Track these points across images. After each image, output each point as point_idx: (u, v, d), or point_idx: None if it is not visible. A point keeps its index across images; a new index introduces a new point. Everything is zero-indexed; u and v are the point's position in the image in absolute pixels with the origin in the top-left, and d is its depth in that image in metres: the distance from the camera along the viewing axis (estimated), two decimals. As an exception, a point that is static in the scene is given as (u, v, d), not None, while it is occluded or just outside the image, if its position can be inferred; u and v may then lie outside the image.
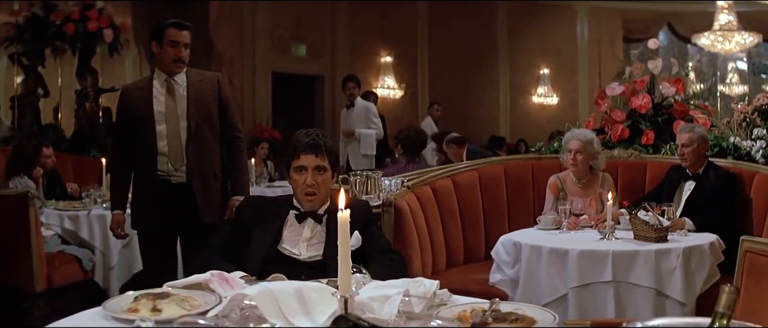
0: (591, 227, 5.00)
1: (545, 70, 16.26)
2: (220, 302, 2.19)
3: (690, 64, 14.34)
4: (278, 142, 12.07)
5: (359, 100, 10.07)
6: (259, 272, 2.84)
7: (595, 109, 6.63)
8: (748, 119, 6.06)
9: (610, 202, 4.60)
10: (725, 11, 12.74)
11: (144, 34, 11.04)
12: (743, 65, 17.03)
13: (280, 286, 2.12)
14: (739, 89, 16.10)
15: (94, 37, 9.22)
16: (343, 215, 1.85)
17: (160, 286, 2.47)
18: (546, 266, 4.42)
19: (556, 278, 4.38)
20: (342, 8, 13.83)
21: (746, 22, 13.13)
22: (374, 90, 13.06)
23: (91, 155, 8.95)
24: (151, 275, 4.46)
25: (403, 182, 5.36)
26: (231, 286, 2.31)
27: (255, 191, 9.23)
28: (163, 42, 4.60)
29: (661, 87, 6.29)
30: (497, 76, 16.03)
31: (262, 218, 3.35)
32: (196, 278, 2.37)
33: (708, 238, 4.61)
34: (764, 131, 5.76)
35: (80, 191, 7.21)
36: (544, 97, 16.53)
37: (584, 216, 5.07)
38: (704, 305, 4.35)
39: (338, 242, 1.88)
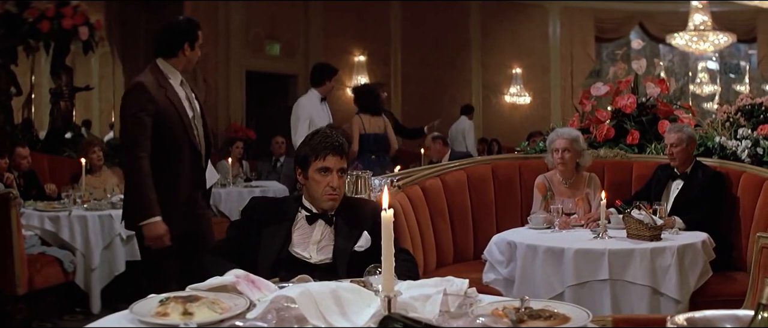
0: (581, 226, 5.04)
1: (518, 70, 16.34)
2: (251, 304, 2.15)
3: (662, 63, 14.45)
4: (252, 142, 12.02)
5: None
6: (269, 275, 2.77)
7: (579, 109, 6.65)
8: (731, 119, 6.13)
9: (604, 201, 4.63)
10: (700, 12, 12.88)
11: (116, 32, 10.95)
12: (713, 65, 17.24)
13: (317, 287, 2.09)
14: (710, 89, 16.33)
15: (69, 35, 9.07)
16: (387, 214, 1.83)
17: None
18: (542, 264, 4.43)
19: (553, 276, 4.39)
20: (316, 7, 13.81)
21: (719, 23, 13.29)
22: (347, 88, 13.00)
23: (65, 155, 8.82)
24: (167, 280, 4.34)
25: (392, 181, 5.35)
26: (258, 288, 2.28)
27: (232, 191, 9.17)
28: (195, 44, 4.49)
29: (646, 87, 6.33)
30: (470, 75, 16.08)
31: (270, 220, 3.31)
32: (220, 280, 2.33)
33: (700, 236, 4.66)
34: (749, 131, 5.82)
35: (59, 191, 7.12)
36: (517, 96, 16.60)
37: (574, 215, 5.10)
38: (698, 302, 4.40)
39: (382, 242, 1.86)
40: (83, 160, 6.94)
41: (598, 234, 4.62)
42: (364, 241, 3.24)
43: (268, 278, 2.65)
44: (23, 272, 5.72)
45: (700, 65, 16.45)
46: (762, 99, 6.22)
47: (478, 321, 1.95)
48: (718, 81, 17.42)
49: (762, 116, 6.09)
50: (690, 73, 16.51)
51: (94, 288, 6.41)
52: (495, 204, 5.88)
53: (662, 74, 11.13)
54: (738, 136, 5.80)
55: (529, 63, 16.32)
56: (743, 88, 17.66)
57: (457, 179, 5.75)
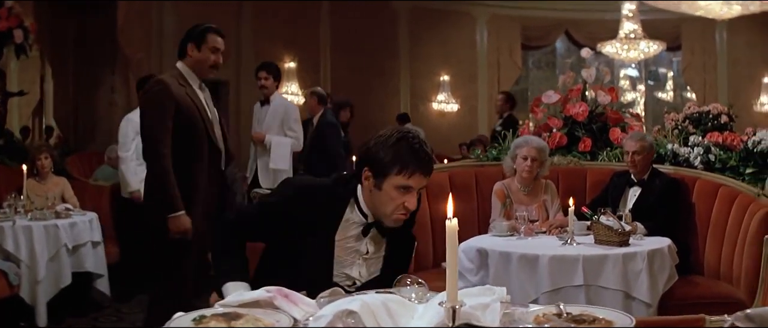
0: (543, 232, 5.10)
1: (445, 77, 16.46)
2: (295, 322, 2.10)
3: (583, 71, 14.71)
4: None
5: (278, 97, 7.81)
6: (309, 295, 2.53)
7: (532, 117, 6.74)
8: (679, 127, 6.29)
9: (572, 207, 4.68)
10: (631, 20, 13.19)
11: (47, 36, 10.64)
12: (634, 72, 17.66)
13: (370, 299, 2.06)
14: (632, 96, 16.73)
15: (4, 38, 8.76)
16: (452, 224, 1.81)
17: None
18: (516, 271, 4.46)
19: (527, 283, 4.42)
20: (247, 13, 13.69)
21: (645, 30, 13.62)
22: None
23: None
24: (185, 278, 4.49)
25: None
26: (295, 303, 2.21)
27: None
28: (202, 46, 4.63)
29: (596, 95, 6.44)
30: (398, 82, 16.14)
31: (312, 220, 2.83)
32: (252, 295, 2.24)
33: (665, 241, 4.76)
34: (700, 138, 5.98)
35: (0, 200, 6.87)
36: (444, 103, 16.70)
37: (537, 222, 5.16)
38: (667, 305, 4.53)
39: (447, 251, 1.84)
40: (24, 167, 6.70)
41: (567, 240, 4.67)
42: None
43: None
44: (-31, 285, 5.51)
45: (622, 72, 16.83)
46: (709, 107, 6.40)
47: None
48: (636, 88, 17.85)
49: (710, 124, 6.27)
50: (615, 82, 16.87)
51: (40, 301, 6.17)
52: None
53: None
54: (690, 144, 5.96)
55: (456, 70, 16.45)
56: (666, 95, 18.18)
57: (415, 188, 5.74)
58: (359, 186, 2.88)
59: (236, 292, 2.48)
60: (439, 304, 1.92)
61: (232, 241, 2.90)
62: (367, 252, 2.92)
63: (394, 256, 2.98)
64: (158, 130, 4.43)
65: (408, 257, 3.10)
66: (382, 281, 2.83)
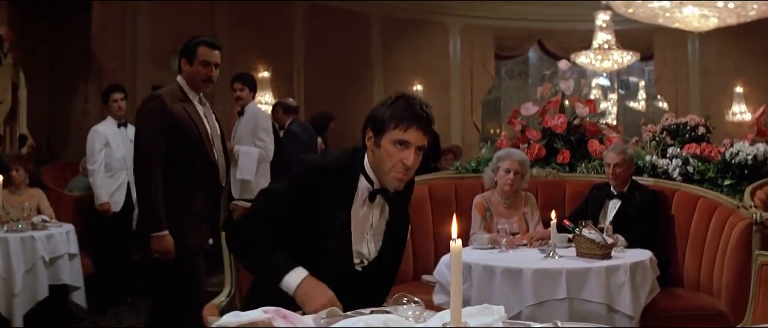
0: (524, 244, 5.11)
1: (419, 87, 16.43)
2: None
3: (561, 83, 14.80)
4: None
5: (252, 107, 7.83)
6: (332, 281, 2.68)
7: (509, 128, 6.76)
8: (657, 138, 6.34)
9: (554, 220, 4.70)
10: (604, 31, 13.29)
11: (20, 44, 10.54)
12: (605, 81, 17.79)
13: (372, 319, 2.05)
14: (603, 105, 16.83)
15: (-21, 45, 8.71)
16: (456, 246, 1.81)
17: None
18: (500, 285, 4.45)
19: (510, 297, 4.41)
20: (220, 23, 13.61)
21: (618, 40, 13.72)
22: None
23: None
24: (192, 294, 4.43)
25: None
26: (292, 322, 2.20)
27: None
28: (194, 61, 4.57)
29: (575, 107, 6.48)
30: (372, 91, 16.08)
31: (331, 198, 2.86)
32: (249, 316, 2.22)
33: (647, 254, 4.79)
34: (678, 150, 6.03)
35: (-26, 212, 6.78)
36: (418, 113, 16.62)
37: (518, 234, 5.17)
38: (649, 316, 4.56)
39: (452, 272, 1.84)
40: (0, 177, 6.61)
41: (549, 253, 4.68)
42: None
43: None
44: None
45: (594, 82, 16.93)
46: (687, 118, 6.46)
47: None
48: (607, 97, 17.98)
49: (687, 135, 6.33)
50: (586, 91, 16.97)
51: (16, 314, 6.09)
52: (433, 224, 5.89)
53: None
54: (668, 155, 6.00)
55: (430, 80, 16.44)
56: (637, 104, 18.34)
57: (395, 199, 5.74)
58: (365, 156, 2.93)
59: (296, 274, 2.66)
60: (443, 325, 1.91)
61: (263, 238, 2.83)
62: (373, 224, 2.96)
63: (393, 231, 3.02)
64: (149, 146, 4.39)
65: (405, 232, 3.15)
66: (382, 259, 2.96)
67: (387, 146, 2.81)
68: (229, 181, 7.08)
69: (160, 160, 4.39)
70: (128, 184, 7.50)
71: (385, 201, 2.95)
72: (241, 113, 7.71)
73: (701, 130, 6.51)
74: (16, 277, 6.06)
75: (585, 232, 4.65)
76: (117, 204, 7.48)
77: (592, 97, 16.37)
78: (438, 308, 4.64)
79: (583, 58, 13.65)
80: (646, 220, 5.28)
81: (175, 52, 12.89)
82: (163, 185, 4.40)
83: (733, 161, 5.89)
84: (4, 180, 6.60)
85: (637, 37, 14.78)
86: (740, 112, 15.39)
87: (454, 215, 1.92)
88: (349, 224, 2.89)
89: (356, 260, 2.94)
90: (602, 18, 13.53)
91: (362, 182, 2.91)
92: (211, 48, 4.63)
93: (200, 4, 12.92)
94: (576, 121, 6.59)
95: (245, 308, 2.44)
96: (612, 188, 5.45)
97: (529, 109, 6.65)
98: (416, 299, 2.36)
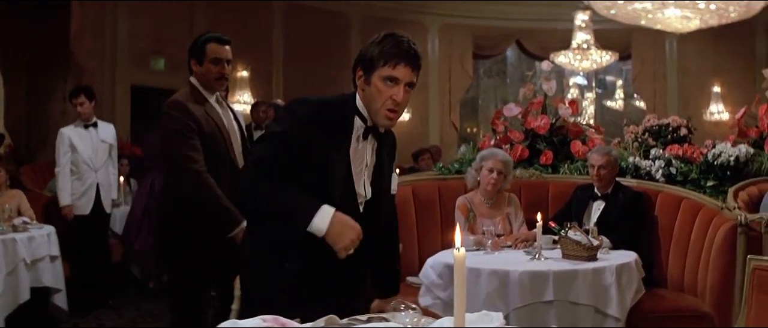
0: (509, 246, 5.12)
1: (397, 86, 16.45)
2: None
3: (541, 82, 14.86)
4: (138, 159, 11.64)
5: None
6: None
7: (488, 127, 6.77)
8: (639, 139, 6.37)
9: (540, 222, 4.71)
10: (583, 30, 13.36)
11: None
12: (582, 81, 17.87)
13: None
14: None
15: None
16: (460, 254, 1.81)
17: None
18: (486, 287, 4.44)
19: (497, 299, 4.40)
20: (200, 22, 13.54)
21: (596, 40, 13.79)
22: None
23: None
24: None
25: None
26: (289, 331, 2.19)
27: (122, 211, 8.80)
28: (204, 59, 4.38)
29: (558, 109, 6.49)
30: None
31: (332, 135, 2.86)
32: (247, 324, 2.20)
33: (632, 255, 4.81)
34: (660, 151, 6.07)
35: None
36: (397, 113, 16.61)
37: (502, 236, 5.17)
38: (634, 317, 4.59)
39: (455, 282, 1.83)
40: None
41: (534, 255, 4.69)
42: (395, 184, 3.04)
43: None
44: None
45: (571, 81, 17.00)
46: (669, 119, 6.50)
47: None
48: (584, 96, 18.06)
49: (669, 136, 6.37)
50: (564, 90, 17.06)
51: (-2, 316, 6.06)
52: (416, 225, 5.89)
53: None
54: (651, 157, 6.04)
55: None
56: (615, 104, 18.45)
57: (379, 201, 5.73)
58: (357, 94, 2.94)
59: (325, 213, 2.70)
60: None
61: (277, 183, 2.81)
62: (368, 164, 2.99)
63: (382, 166, 3.06)
64: (185, 148, 4.19)
65: (390, 176, 3.19)
66: (376, 200, 3.01)
67: (377, 83, 2.82)
68: None
69: (200, 159, 4.21)
70: (98, 185, 7.47)
71: (376, 140, 2.97)
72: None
73: (683, 131, 6.55)
74: (-3, 279, 6.01)
75: (571, 234, 4.65)
76: (85, 207, 7.43)
77: (570, 96, 16.55)
78: (425, 310, 4.67)
79: (562, 58, 13.70)
80: (630, 221, 5.31)
81: (154, 52, 12.94)
82: None
83: (715, 163, 5.93)
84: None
85: (615, 36, 14.85)
86: (718, 112, 15.51)
87: (457, 226, 1.91)
88: (349, 161, 2.92)
89: (360, 190, 2.97)
90: (581, 18, 13.60)
91: (357, 120, 2.92)
92: (220, 44, 4.44)
93: (179, 4, 12.89)
94: (558, 123, 6.60)
95: (242, 316, 2.42)
96: (596, 190, 5.47)
97: (512, 110, 6.66)
98: (413, 305, 2.36)
